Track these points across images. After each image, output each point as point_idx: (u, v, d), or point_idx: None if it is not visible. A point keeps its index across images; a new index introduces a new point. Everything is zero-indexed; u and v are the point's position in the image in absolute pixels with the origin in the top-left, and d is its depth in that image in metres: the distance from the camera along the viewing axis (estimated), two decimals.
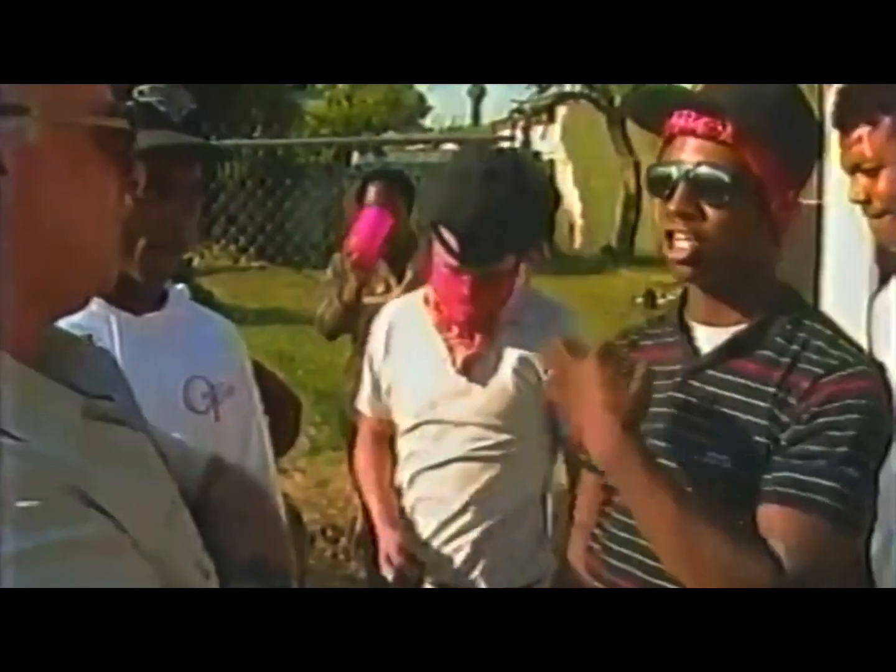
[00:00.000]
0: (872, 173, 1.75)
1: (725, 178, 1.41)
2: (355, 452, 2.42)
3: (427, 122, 32.57)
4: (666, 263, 1.51)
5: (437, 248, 2.06)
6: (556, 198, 2.16)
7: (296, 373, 6.88)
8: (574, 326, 2.19)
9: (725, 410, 1.45)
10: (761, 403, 1.42)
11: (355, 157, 15.53)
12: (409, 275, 3.53)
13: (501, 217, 1.97)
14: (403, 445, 2.25)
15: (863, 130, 1.74)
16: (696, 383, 1.50)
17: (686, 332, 1.56)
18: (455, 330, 2.16)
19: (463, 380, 2.14)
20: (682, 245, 1.45)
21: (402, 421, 2.23)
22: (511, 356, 2.14)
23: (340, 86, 26.09)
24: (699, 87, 1.52)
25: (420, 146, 16.67)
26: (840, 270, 3.06)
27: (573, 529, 1.79)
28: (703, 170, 1.42)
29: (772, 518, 1.35)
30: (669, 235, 1.47)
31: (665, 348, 1.59)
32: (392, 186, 3.63)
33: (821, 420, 1.35)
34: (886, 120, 1.71)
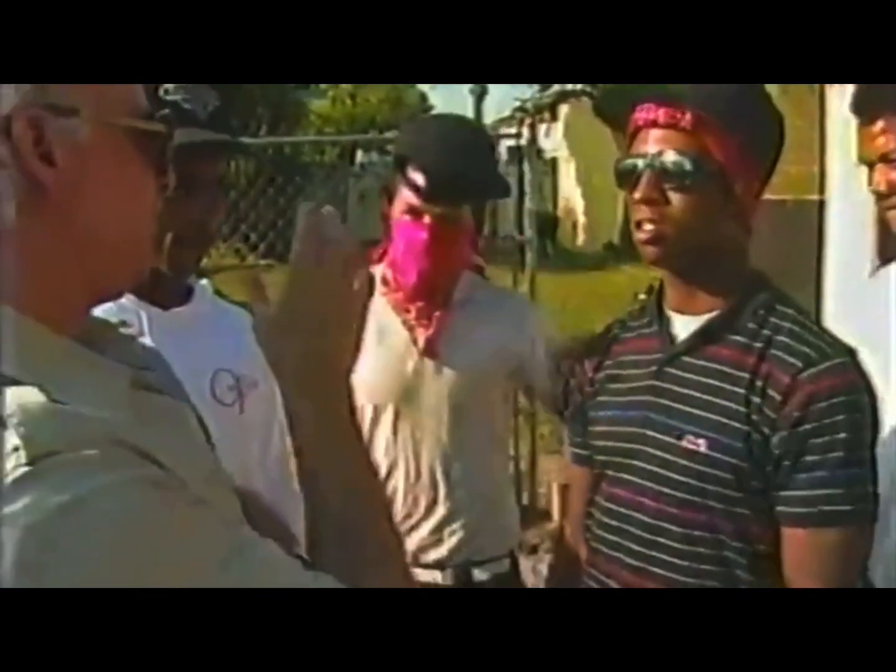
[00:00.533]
0: (891, 164, 1.75)
1: (687, 163, 1.46)
2: None
3: None
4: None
5: (401, 194, 2.10)
6: (505, 187, 2.23)
7: None
8: (524, 306, 2.31)
9: (701, 396, 1.50)
10: (737, 389, 1.46)
11: (359, 156, 15.50)
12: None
13: (466, 161, 2.05)
14: (377, 434, 2.21)
15: (886, 121, 1.74)
16: (672, 370, 1.55)
17: (663, 321, 1.61)
18: (412, 311, 2.18)
19: (428, 361, 2.17)
20: (648, 227, 1.50)
21: (370, 409, 2.21)
22: (470, 332, 2.19)
23: (344, 85, 26.07)
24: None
25: None
26: (842, 266, 3.09)
27: (566, 522, 1.85)
28: (666, 157, 1.48)
29: (794, 542, 1.42)
30: (638, 223, 1.52)
31: (644, 339, 1.64)
32: None
33: (807, 426, 1.39)
34: None
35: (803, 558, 1.42)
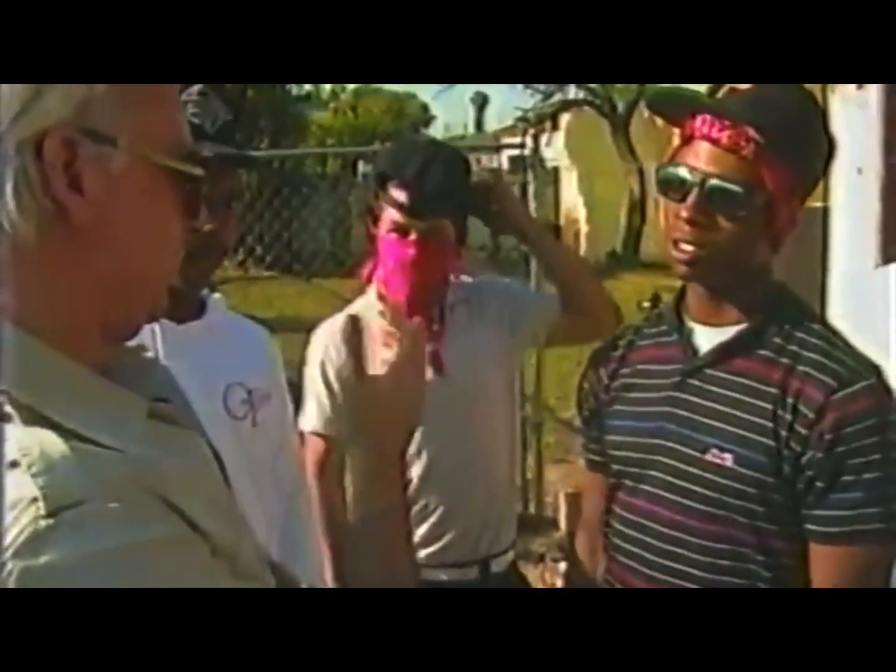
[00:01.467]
0: None
1: (740, 193, 1.44)
2: (311, 487, 2.25)
3: (430, 130, 32.59)
4: (671, 268, 1.54)
5: (384, 213, 2.15)
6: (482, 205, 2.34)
7: None
8: (523, 289, 2.33)
9: (726, 409, 1.49)
10: (763, 404, 1.46)
11: (361, 167, 15.53)
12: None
13: (444, 175, 2.10)
14: None
15: None
16: (695, 382, 1.54)
17: (684, 331, 1.60)
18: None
19: (434, 375, 2.16)
20: (687, 248, 1.48)
21: None
22: (470, 338, 2.24)
23: (345, 96, 26.14)
24: (723, 92, 1.55)
25: None
26: (847, 272, 3.10)
27: (579, 529, 1.84)
28: (720, 182, 1.44)
29: (825, 559, 1.43)
30: (676, 241, 1.50)
31: (663, 348, 1.63)
32: None
33: (842, 448, 1.40)
34: None
35: (834, 575, 1.42)
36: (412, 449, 2.16)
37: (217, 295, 1.87)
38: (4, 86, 0.74)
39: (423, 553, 2.23)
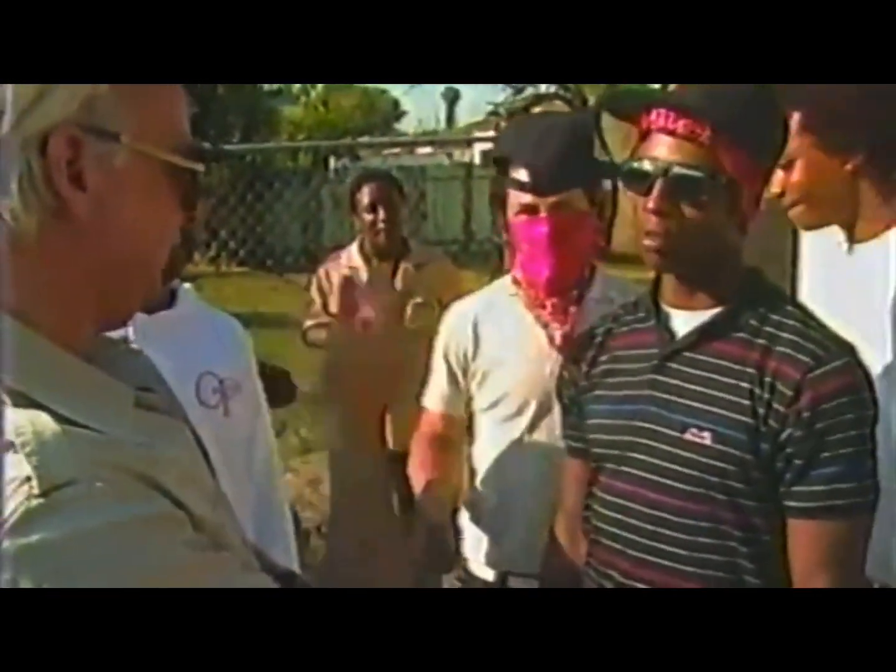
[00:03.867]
0: (787, 167, 1.82)
1: (701, 178, 1.47)
2: (412, 451, 2.30)
3: (402, 125, 32.59)
4: (643, 260, 1.56)
5: (510, 196, 2.10)
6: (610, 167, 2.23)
7: None
8: None
9: (704, 390, 1.52)
10: (741, 383, 1.49)
11: (332, 162, 15.52)
12: (397, 280, 3.60)
13: (561, 144, 2.04)
14: (493, 443, 2.21)
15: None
16: (673, 365, 1.56)
17: (661, 316, 1.62)
18: (548, 307, 2.15)
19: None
20: (656, 238, 1.51)
21: (496, 413, 2.19)
22: None
23: (316, 92, 26.06)
24: (673, 86, 1.56)
25: (396, 150, 16.71)
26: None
27: (560, 513, 1.85)
28: (681, 170, 1.47)
29: (805, 534, 1.46)
30: (647, 232, 1.52)
31: (641, 334, 1.66)
32: (386, 185, 3.66)
33: (820, 425, 1.43)
34: (795, 117, 1.77)
35: (814, 549, 1.46)
36: (538, 431, 2.14)
37: (187, 285, 1.86)
38: (10, 85, 0.76)
39: (520, 557, 2.13)
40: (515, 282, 2.21)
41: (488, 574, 2.23)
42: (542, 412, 2.13)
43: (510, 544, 2.18)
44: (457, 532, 2.24)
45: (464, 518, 2.31)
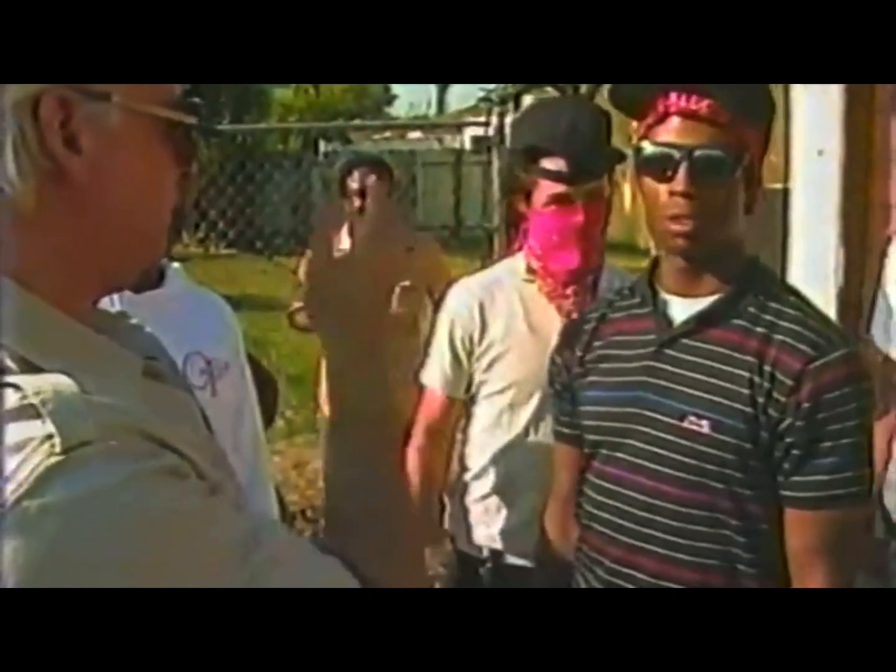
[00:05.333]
0: None
1: (728, 158, 1.47)
2: (413, 432, 2.29)
3: (393, 110, 32.49)
4: (637, 248, 1.58)
5: (539, 187, 2.09)
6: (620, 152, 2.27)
7: (269, 358, 6.91)
8: None
9: (703, 377, 1.51)
10: (740, 371, 1.48)
11: (322, 145, 15.47)
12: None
13: (594, 132, 2.05)
14: (497, 425, 2.23)
15: None
16: (671, 352, 1.56)
17: (658, 302, 1.61)
18: (570, 297, 2.16)
19: None
20: (686, 221, 1.50)
21: (504, 397, 2.21)
22: None
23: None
24: None
25: (386, 134, 16.66)
26: (806, 252, 3.14)
27: (551, 500, 1.85)
28: (707, 151, 1.47)
29: (804, 523, 1.47)
30: (674, 217, 1.50)
31: (637, 320, 1.65)
32: (376, 170, 3.65)
33: (820, 415, 1.43)
34: None
35: (811, 539, 1.47)
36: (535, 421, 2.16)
37: (176, 265, 1.85)
38: None
39: (517, 537, 2.17)
40: (531, 270, 2.20)
41: (477, 552, 2.25)
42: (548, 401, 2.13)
43: (507, 526, 2.20)
44: (442, 510, 2.25)
45: (454, 498, 2.33)
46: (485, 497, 2.26)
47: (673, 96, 1.49)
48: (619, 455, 1.60)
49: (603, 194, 2.11)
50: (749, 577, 1.50)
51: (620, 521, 1.58)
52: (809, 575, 1.46)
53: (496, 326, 2.20)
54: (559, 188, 2.06)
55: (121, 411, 0.75)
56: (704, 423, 1.49)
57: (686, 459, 1.50)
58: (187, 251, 10.61)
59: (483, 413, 2.25)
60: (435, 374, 2.27)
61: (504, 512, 2.22)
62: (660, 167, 1.51)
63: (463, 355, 2.22)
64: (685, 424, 1.51)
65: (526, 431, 2.18)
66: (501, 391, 2.20)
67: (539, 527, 1.91)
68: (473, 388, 2.25)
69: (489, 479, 2.24)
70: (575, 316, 2.06)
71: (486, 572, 2.25)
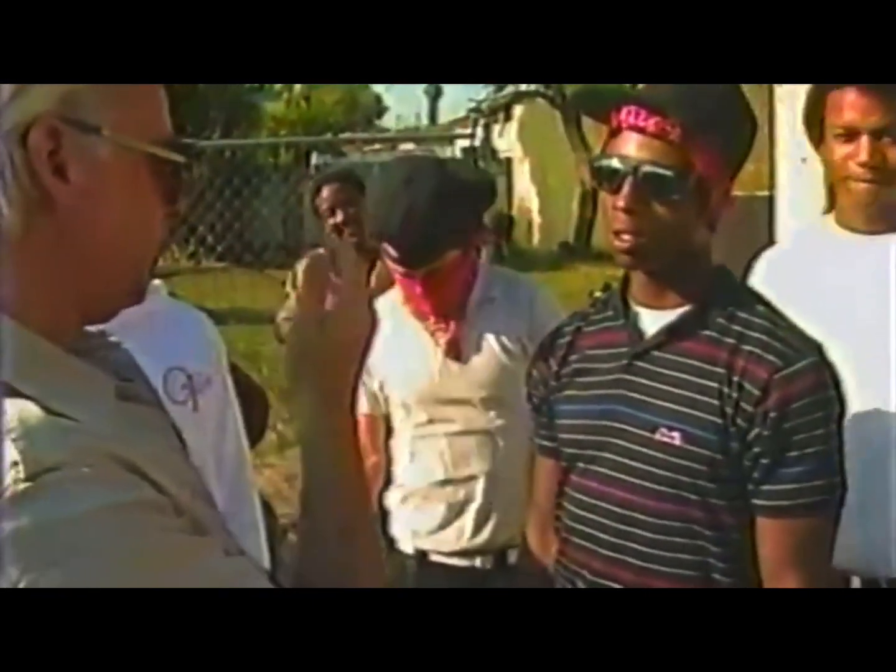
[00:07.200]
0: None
1: (672, 176, 1.46)
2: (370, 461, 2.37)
3: (384, 122, 32.56)
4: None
5: (386, 262, 2.21)
6: (493, 187, 2.28)
7: (260, 371, 6.89)
8: (539, 295, 2.37)
9: (673, 389, 1.52)
10: (710, 383, 1.49)
11: (314, 158, 15.48)
12: (372, 279, 3.58)
13: (429, 217, 2.09)
14: (402, 436, 2.36)
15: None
16: (642, 364, 1.56)
17: (630, 315, 1.62)
18: (431, 318, 2.27)
19: (452, 362, 2.26)
20: (626, 237, 1.50)
21: (398, 412, 2.34)
22: (491, 331, 2.27)
23: (298, 87, 25.98)
24: (643, 85, 1.56)
25: (377, 146, 16.68)
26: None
27: (529, 512, 1.86)
28: (651, 168, 1.46)
29: (774, 532, 1.47)
30: (617, 232, 1.51)
31: (610, 333, 1.65)
32: (345, 187, 3.62)
33: (787, 424, 1.44)
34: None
35: (782, 547, 1.47)
36: (434, 428, 2.27)
37: (157, 281, 1.85)
38: None
39: (438, 537, 2.29)
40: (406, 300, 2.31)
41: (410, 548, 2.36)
42: (434, 414, 2.28)
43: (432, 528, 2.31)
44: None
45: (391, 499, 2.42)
46: (415, 503, 2.36)
47: (624, 111, 1.49)
48: (596, 468, 1.60)
49: (449, 268, 2.18)
50: (724, 587, 1.50)
51: (599, 534, 1.58)
52: (781, 582, 1.46)
53: (381, 348, 2.26)
54: (399, 269, 2.18)
55: (94, 435, 0.76)
56: (676, 434, 1.49)
57: (659, 471, 1.51)
58: (177, 265, 10.61)
59: (394, 425, 2.38)
60: (362, 400, 2.35)
61: (429, 519, 2.32)
62: (608, 181, 1.52)
63: (365, 375, 2.29)
64: (657, 437, 1.51)
65: (418, 447, 2.31)
66: (397, 406, 2.34)
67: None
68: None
69: (414, 485, 2.35)
70: (440, 336, 2.26)
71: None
